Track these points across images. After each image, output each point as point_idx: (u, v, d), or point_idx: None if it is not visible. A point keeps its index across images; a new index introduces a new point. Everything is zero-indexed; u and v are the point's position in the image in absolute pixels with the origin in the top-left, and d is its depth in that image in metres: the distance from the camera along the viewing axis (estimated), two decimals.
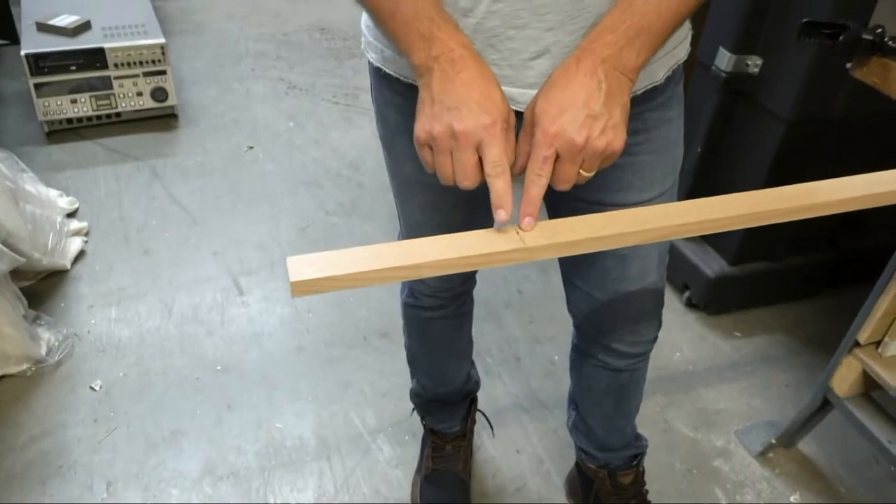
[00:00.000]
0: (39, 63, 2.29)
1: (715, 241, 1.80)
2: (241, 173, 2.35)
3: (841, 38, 1.03)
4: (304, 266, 0.61)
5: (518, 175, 0.71)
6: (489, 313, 1.83)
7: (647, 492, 1.32)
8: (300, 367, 1.67)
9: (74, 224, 2.01)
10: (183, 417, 1.53)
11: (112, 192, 2.21)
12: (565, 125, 0.66)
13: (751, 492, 1.43)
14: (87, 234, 2.02)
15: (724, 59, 1.54)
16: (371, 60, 0.90)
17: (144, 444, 1.47)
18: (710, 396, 1.64)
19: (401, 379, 1.62)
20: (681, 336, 1.79)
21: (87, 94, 2.40)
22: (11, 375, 1.58)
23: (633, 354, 1.09)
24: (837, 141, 1.57)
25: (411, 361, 1.33)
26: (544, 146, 0.67)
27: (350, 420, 1.55)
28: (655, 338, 1.10)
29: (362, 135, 2.59)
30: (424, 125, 0.68)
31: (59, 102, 2.37)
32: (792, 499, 1.42)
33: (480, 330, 1.74)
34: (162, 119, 2.59)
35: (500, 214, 0.67)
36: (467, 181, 0.68)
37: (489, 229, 0.68)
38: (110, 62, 2.37)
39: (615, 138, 0.67)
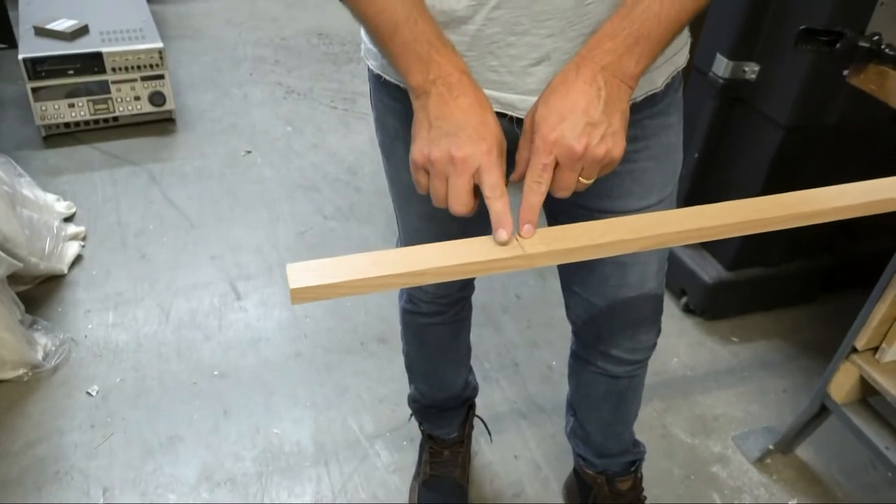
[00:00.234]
0: (37, 67, 2.29)
1: (712, 247, 1.80)
2: (239, 178, 2.35)
3: (838, 45, 1.04)
4: (303, 273, 0.61)
5: (517, 182, 0.71)
6: (487, 319, 1.83)
7: (645, 498, 1.32)
8: (298, 373, 1.66)
9: (71, 229, 2.01)
10: (180, 423, 1.53)
11: (109, 197, 2.21)
12: (565, 132, 0.66)
13: (748, 498, 1.43)
14: (84, 239, 2.02)
15: (722, 66, 1.55)
16: (371, 67, 0.90)
17: (141, 449, 1.47)
18: (707, 402, 1.64)
19: (398, 384, 1.62)
20: (678, 342, 1.79)
21: (84, 99, 2.40)
22: (8, 380, 1.58)
23: (631, 361, 1.09)
24: (834, 147, 1.58)
25: (409, 367, 1.33)
26: (544, 153, 0.67)
27: (348, 426, 1.54)
28: (654, 344, 1.10)
29: (360, 139, 2.59)
30: (422, 149, 0.69)
31: (56, 107, 2.37)
32: None
33: (478, 335, 1.74)
34: (160, 123, 2.59)
35: (501, 234, 0.67)
36: (461, 206, 0.69)
37: (489, 237, 0.68)
38: (108, 66, 2.37)
39: (614, 146, 0.68)
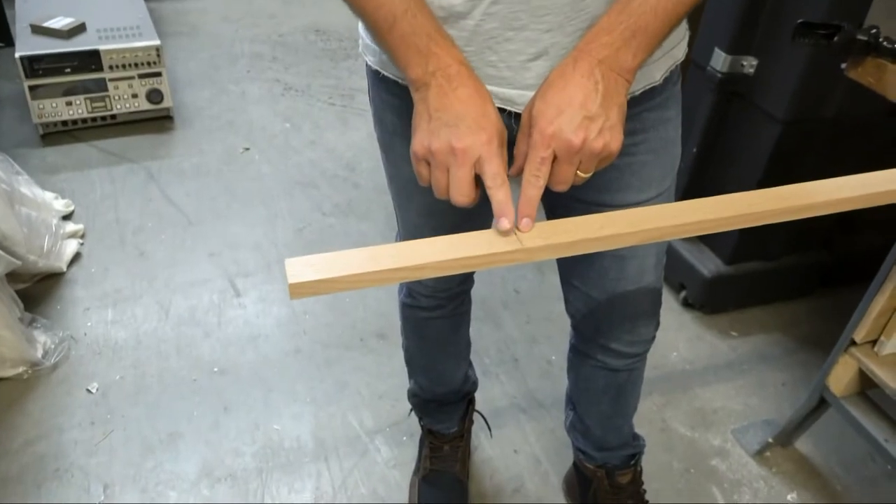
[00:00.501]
0: (34, 65, 2.28)
1: (711, 240, 1.80)
2: (237, 175, 2.35)
3: (836, 38, 1.04)
4: (302, 268, 0.61)
5: (516, 176, 0.71)
6: (487, 313, 1.83)
7: (644, 491, 1.32)
8: (297, 369, 1.67)
9: (70, 226, 2.00)
10: (180, 419, 1.53)
11: (108, 195, 2.21)
12: (562, 126, 0.66)
13: (748, 491, 1.44)
14: (82, 237, 2.02)
15: (720, 60, 1.55)
16: (369, 63, 0.90)
17: (141, 446, 1.47)
18: (707, 396, 1.64)
19: (398, 380, 1.62)
20: (677, 336, 1.80)
21: (82, 97, 2.40)
22: (7, 378, 1.58)
23: (630, 354, 1.09)
24: (832, 141, 1.58)
25: (409, 362, 1.33)
26: (541, 147, 0.67)
27: (347, 421, 1.55)
28: (653, 337, 1.10)
29: (358, 135, 2.59)
30: (423, 140, 0.69)
31: (53, 105, 2.37)
32: (789, 497, 1.43)
33: (478, 330, 1.74)
34: (157, 121, 2.58)
35: (503, 223, 0.67)
36: (462, 197, 0.69)
37: (487, 230, 0.68)
38: (105, 64, 2.37)
39: (612, 139, 0.68)
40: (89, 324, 1.75)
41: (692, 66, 1.64)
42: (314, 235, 2.10)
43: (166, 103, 2.52)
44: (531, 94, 0.75)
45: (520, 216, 0.68)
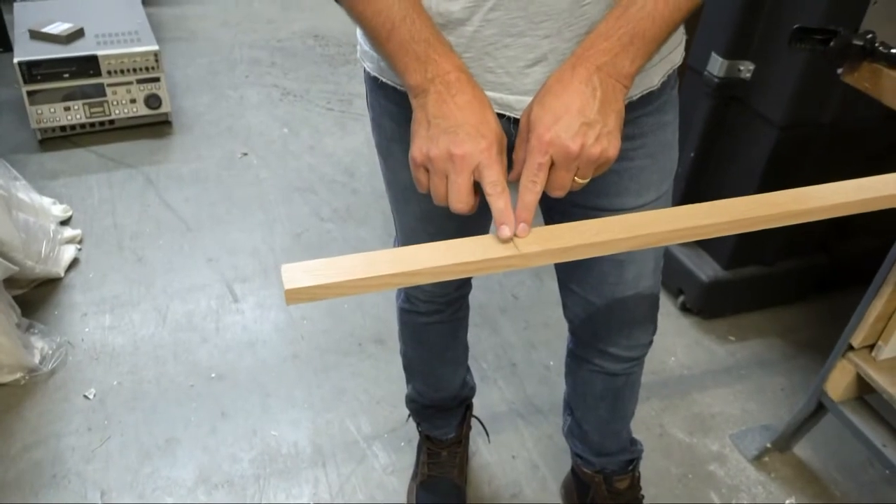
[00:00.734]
0: (32, 71, 2.28)
1: (709, 245, 1.80)
2: (236, 180, 2.35)
3: (832, 43, 1.04)
4: (298, 273, 0.61)
5: (513, 182, 0.71)
6: (484, 319, 1.83)
7: (642, 497, 1.32)
8: (295, 375, 1.66)
9: (68, 232, 2.00)
10: (177, 425, 1.53)
11: (106, 200, 2.21)
12: (560, 132, 0.66)
13: (746, 496, 1.44)
14: (80, 242, 2.01)
15: (717, 65, 1.55)
16: (367, 69, 0.90)
17: (138, 452, 1.47)
18: (705, 401, 1.64)
19: (396, 385, 1.62)
20: (675, 341, 1.80)
21: (80, 102, 2.40)
22: (4, 384, 1.58)
23: (628, 358, 1.09)
24: (829, 145, 1.58)
25: (407, 367, 1.33)
26: (539, 153, 0.67)
27: (345, 427, 1.54)
28: (651, 342, 1.10)
29: (356, 141, 2.59)
30: (421, 147, 0.69)
31: (52, 110, 2.37)
32: (787, 502, 1.42)
33: (476, 335, 1.74)
34: (156, 126, 2.58)
35: (504, 231, 0.68)
36: (461, 204, 0.69)
37: (484, 236, 0.69)
38: (104, 69, 2.37)
39: (609, 145, 0.68)
40: (87, 329, 1.75)
41: (689, 70, 1.65)
42: (312, 241, 2.09)
43: (165, 108, 2.52)
44: (530, 99, 0.75)
45: (517, 221, 0.68)
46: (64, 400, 1.57)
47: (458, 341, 1.28)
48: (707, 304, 1.82)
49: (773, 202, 0.74)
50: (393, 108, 0.89)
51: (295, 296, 0.60)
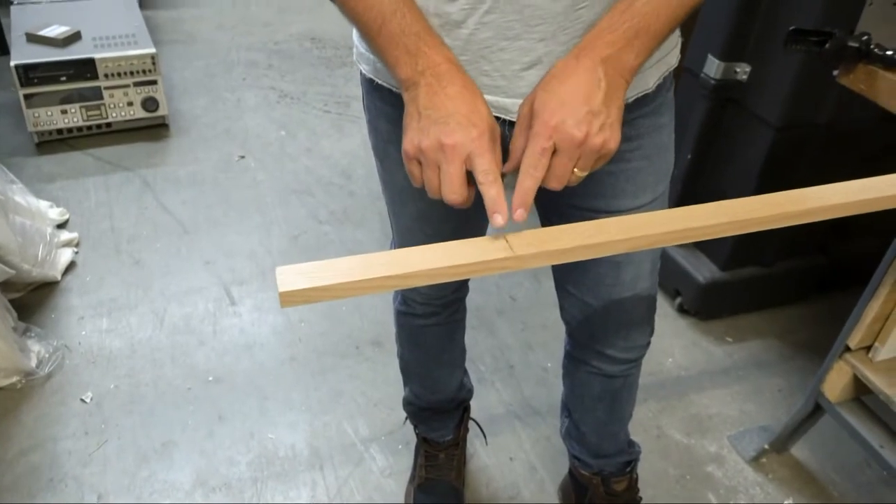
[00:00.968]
0: (29, 74, 2.28)
1: (706, 247, 1.80)
2: (233, 183, 2.34)
3: (827, 45, 1.04)
4: (293, 276, 0.61)
5: (510, 172, 0.71)
6: (482, 321, 1.83)
7: (640, 498, 1.31)
8: (292, 377, 1.66)
9: (65, 235, 2.00)
10: (174, 429, 1.52)
11: (103, 203, 2.20)
12: (566, 118, 0.66)
13: (744, 497, 1.44)
14: (77, 245, 2.01)
15: (713, 67, 1.55)
16: (363, 71, 0.90)
17: (136, 456, 1.46)
18: (702, 402, 1.64)
19: (393, 388, 1.62)
20: (673, 342, 1.80)
21: (77, 105, 2.40)
22: (1, 388, 1.57)
23: (626, 360, 1.09)
24: (825, 146, 1.58)
25: (404, 369, 1.33)
26: (543, 138, 0.66)
27: (343, 430, 1.54)
28: (648, 343, 1.10)
29: (353, 143, 2.59)
30: (413, 139, 0.69)
31: (49, 113, 2.37)
32: (785, 503, 1.43)
33: (473, 338, 1.74)
34: (153, 129, 2.58)
35: (497, 219, 0.67)
36: (454, 195, 0.68)
37: (479, 238, 0.68)
38: (101, 72, 2.37)
39: (611, 137, 0.67)
40: (83, 333, 1.74)
41: (686, 72, 1.65)
42: (310, 243, 2.09)
43: (162, 111, 2.51)
44: None
45: (514, 207, 0.67)
46: (61, 403, 1.56)
47: (455, 343, 1.27)
48: (704, 306, 1.82)
49: (771, 203, 0.74)
50: (389, 110, 0.89)
51: (289, 298, 0.60)
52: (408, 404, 1.37)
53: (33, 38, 2.40)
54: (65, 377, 1.63)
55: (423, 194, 0.72)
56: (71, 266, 1.94)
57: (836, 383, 1.29)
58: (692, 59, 1.61)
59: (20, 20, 2.53)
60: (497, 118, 0.80)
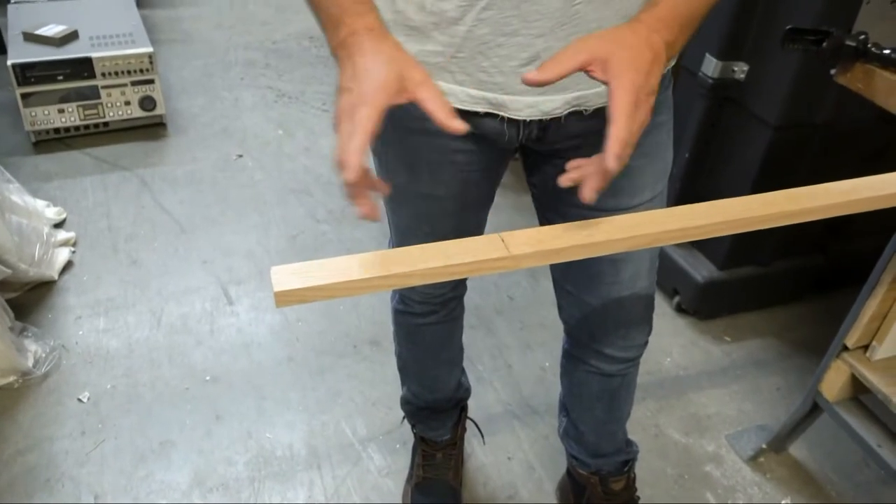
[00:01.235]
0: (26, 73, 2.28)
1: (704, 246, 1.80)
2: (231, 182, 2.34)
3: (824, 44, 1.04)
4: (288, 276, 0.61)
5: (566, 185, 0.68)
6: (480, 320, 1.83)
7: (638, 498, 1.31)
8: (290, 377, 1.66)
9: (62, 235, 1.99)
10: (172, 428, 1.52)
11: (100, 202, 2.20)
12: (643, 84, 0.64)
13: (742, 496, 1.43)
14: (74, 245, 2.01)
15: (711, 66, 1.55)
16: None
17: (133, 455, 1.46)
18: (700, 401, 1.64)
19: (391, 387, 1.61)
20: (671, 341, 1.79)
21: (74, 104, 2.39)
22: None
23: (624, 359, 1.09)
24: (823, 145, 1.58)
25: (402, 368, 1.32)
26: (631, 91, 0.63)
27: (340, 429, 1.54)
28: (646, 342, 1.10)
29: None
30: (332, 116, 0.67)
31: (46, 112, 2.36)
32: (783, 503, 1.42)
33: (471, 337, 1.74)
34: (150, 128, 2.58)
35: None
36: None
37: (475, 237, 0.68)
38: (98, 71, 2.37)
39: (648, 116, 0.66)
40: (81, 332, 1.74)
41: (684, 71, 1.65)
42: (308, 242, 2.09)
43: (159, 110, 2.51)
44: (523, 98, 0.75)
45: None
46: (58, 403, 1.56)
47: (453, 342, 1.27)
48: (702, 305, 1.82)
49: (768, 202, 0.74)
50: None
51: (285, 298, 0.60)
52: (405, 403, 1.37)
53: (30, 37, 2.40)
54: (62, 377, 1.62)
55: (421, 195, 0.72)
56: (68, 265, 1.93)
57: (833, 382, 1.29)
58: (690, 58, 1.61)
59: (17, 19, 2.53)
60: (495, 115, 0.80)
